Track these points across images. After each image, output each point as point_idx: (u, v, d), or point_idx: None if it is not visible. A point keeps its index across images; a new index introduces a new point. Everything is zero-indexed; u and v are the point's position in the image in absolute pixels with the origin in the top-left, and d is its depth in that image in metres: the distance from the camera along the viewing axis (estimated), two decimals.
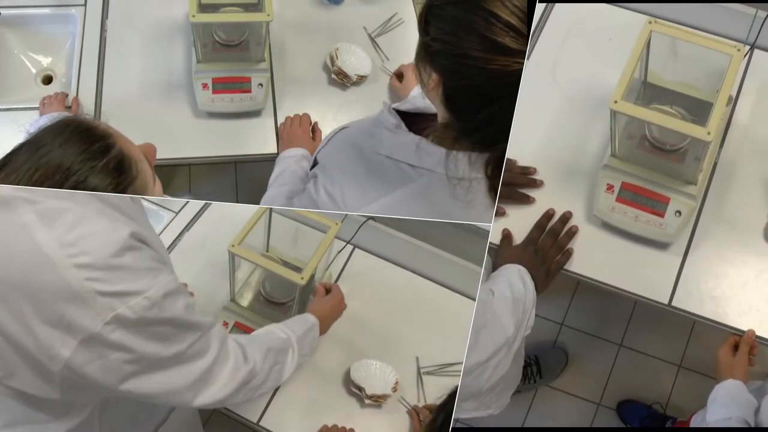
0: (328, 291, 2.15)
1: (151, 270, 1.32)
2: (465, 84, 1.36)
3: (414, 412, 2.07)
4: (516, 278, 1.83)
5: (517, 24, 1.27)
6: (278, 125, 2.32)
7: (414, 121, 1.62)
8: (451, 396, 1.63)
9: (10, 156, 1.32)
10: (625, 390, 2.91)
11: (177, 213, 2.48)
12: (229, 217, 2.41)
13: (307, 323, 1.96)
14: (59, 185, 1.27)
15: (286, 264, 2.16)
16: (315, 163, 1.74)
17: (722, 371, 1.86)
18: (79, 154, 1.30)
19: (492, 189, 1.45)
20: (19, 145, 1.34)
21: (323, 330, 2.05)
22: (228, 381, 1.53)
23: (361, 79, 2.38)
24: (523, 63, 1.29)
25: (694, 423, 2.09)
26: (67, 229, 1.25)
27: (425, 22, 1.39)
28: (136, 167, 1.37)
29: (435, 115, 1.54)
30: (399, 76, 2.35)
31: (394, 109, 1.65)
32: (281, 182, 2.04)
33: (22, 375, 1.35)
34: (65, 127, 1.33)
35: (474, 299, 2.24)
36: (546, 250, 1.91)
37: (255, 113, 2.34)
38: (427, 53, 1.40)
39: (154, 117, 2.30)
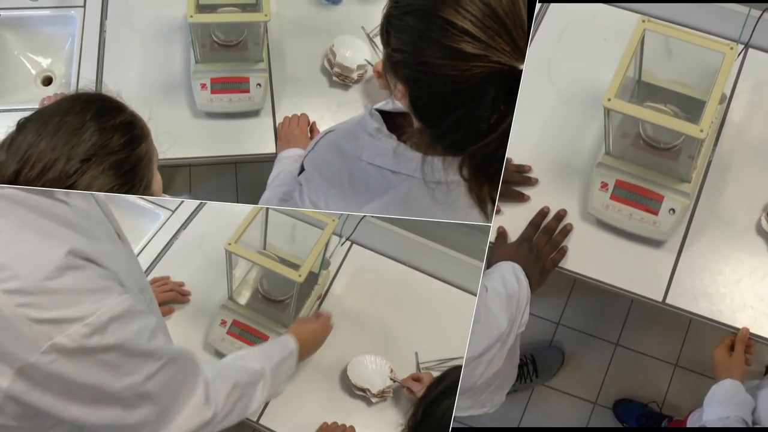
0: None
1: (95, 292, 1.22)
2: (428, 91, 1.34)
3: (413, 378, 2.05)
4: (510, 275, 1.82)
5: (472, 30, 1.25)
6: (277, 125, 2.29)
7: (398, 120, 1.60)
8: (430, 388, 1.60)
9: (34, 114, 1.35)
10: (621, 389, 2.89)
11: (173, 211, 2.47)
12: (226, 215, 2.38)
13: (285, 350, 1.89)
14: (79, 141, 1.29)
15: (283, 261, 2.14)
16: (302, 168, 1.73)
17: (719, 371, 1.85)
18: (96, 110, 1.34)
19: (471, 190, 1.42)
20: (40, 109, 1.37)
21: (305, 355, 2.00)
22: (186, 421, 1.42)
23: (362, 76, 2.34)
24: (483, 67, 1.26)
25: (691, 422, 2.08)
26: None
27: (386, 33, 1.38)
28: (146, 132, 1.41)
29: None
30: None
31: (377, 109, 1.63)
32: (277, 183, 2.03)
33: None
34: (79, 96, 1.38)
35: (472, 294, 2.29)
36: (540, 248, 1.90)
37: (253, 113, 2.31)
38: (391, 64, 1.39)
39: (153, 117, 2.23)
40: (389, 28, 1.36)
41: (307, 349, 2.00)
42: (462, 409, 1.85)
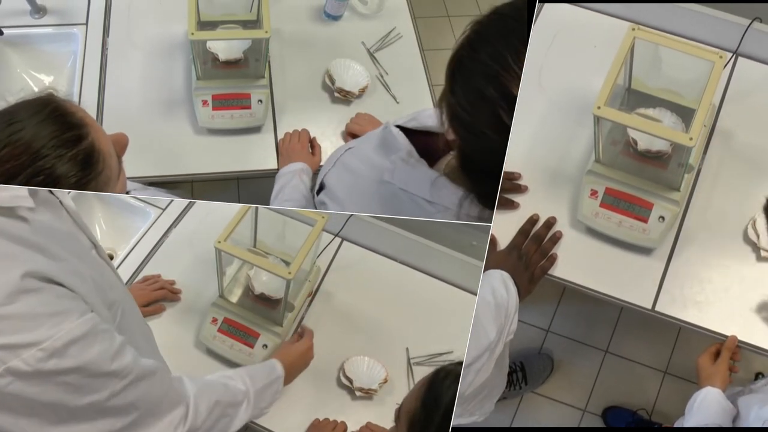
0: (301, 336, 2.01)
1: (53, 315, 1.10)
2: (478, 158, 1.24)
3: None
4: (499, 283, 1.68)
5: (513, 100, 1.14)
6: (278, 141, 2.18)
7: (422, 138, 1.48)
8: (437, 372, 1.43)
9: None
10: (610, 396, 2.80)
11: (164, 209, 2.36)
12: (216, 212, 2.28)
13: (272, 374, 1.79)
14: (26, 166, 1.11)
15: (274, 259, 2.05)
16: (321, 186, 1.60)
17: (702, 378, 1.75)
18: (51, 139, 1.14)
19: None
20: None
21: (289, 379, 1.90)
22: None
23: (363, 91, 2.24)
24: None
25: None
26: None
27: (452, 76, 1.23)
28: (104, 162, 1.21)
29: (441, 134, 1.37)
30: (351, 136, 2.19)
31: (398, 126, 1.50)
32: (284, 198, 1.93)
33: None
34: (43, 107, 1.17)
35: (463, 289, 2.24)
36: (530, 256, 1.77)
37: (255, 129, 2.19)
38: (449, 110, 1.24)
39: (155, 134, 2.16)
40: (458, 73, 1.21)
41: (293, 372, 1.92)
42: None
